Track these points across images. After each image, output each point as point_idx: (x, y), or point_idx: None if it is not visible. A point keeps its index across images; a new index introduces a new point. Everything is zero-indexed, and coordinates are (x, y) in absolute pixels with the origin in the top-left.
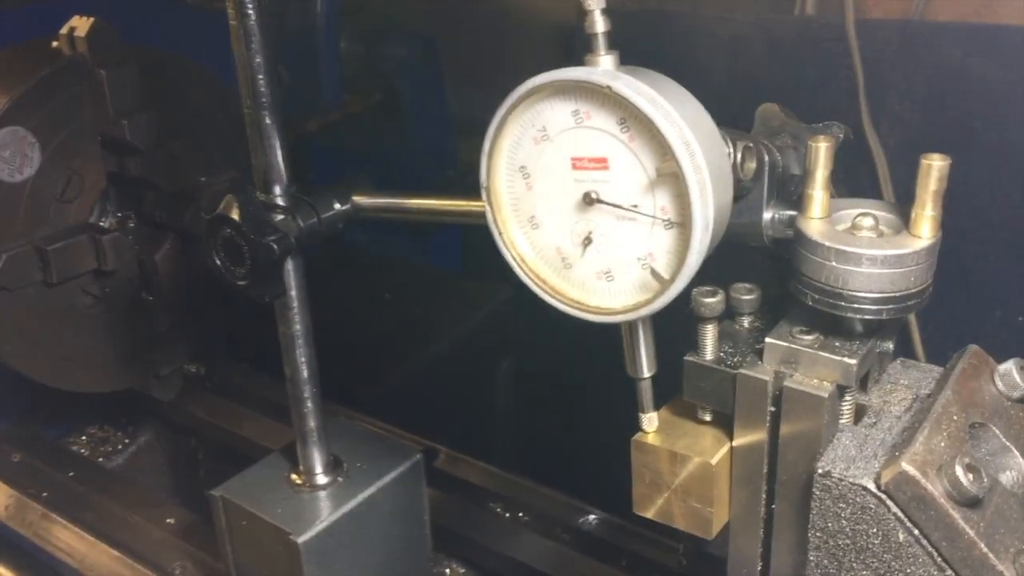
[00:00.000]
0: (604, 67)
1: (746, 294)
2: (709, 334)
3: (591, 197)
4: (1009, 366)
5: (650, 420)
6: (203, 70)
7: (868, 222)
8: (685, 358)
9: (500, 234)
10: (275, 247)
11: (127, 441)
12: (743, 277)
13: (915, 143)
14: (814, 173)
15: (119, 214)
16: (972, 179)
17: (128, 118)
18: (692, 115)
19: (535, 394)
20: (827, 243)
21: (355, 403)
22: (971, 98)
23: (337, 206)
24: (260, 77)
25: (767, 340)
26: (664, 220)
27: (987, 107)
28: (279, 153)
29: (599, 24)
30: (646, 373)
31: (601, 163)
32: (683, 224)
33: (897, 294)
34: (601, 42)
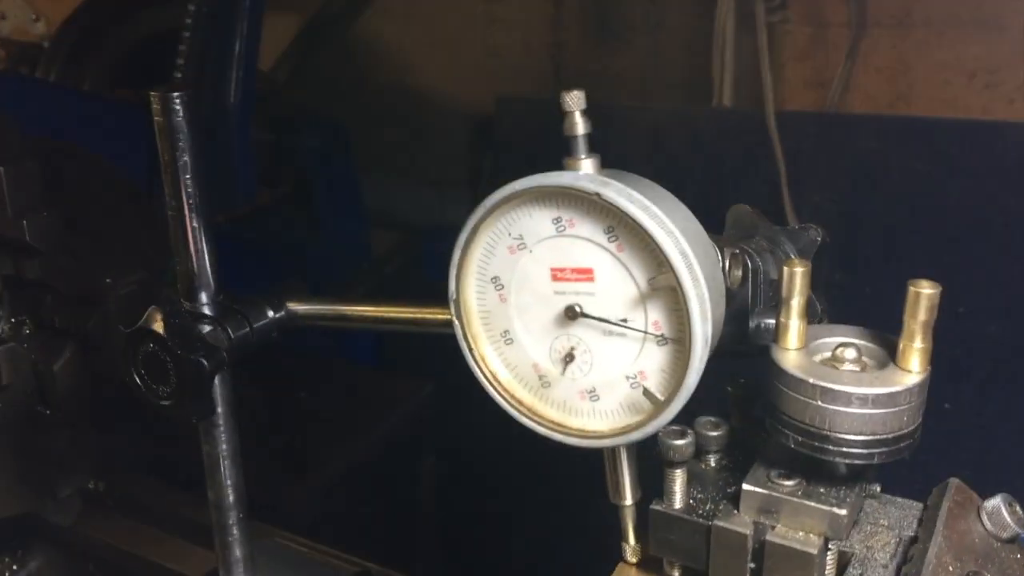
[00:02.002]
0: (585, 170)
1: (712, 429)
2: (678, 480)
3: (575, 311)
4: (996, 503)
5: (633, 551)
6: (108, 164)
7: (850, 354)
8: (651, 507)
9: (470, 350)
10: (205, 363)
11: (15, 568)
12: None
13: (836, 233)
14: (789, 301)
15: (13, 320)
16: (891, 263)
17: (27, 218)
18: (684, 223)
19: (461, 494)
20: (811, 380)
21: (275, 516)
22: (888, 187)
23: (270, 314)
24: (187, 177)
25: (744, 487)
26: (657, 336)
27: (902, 196)
28: (207, 258)
29: (580, 126)
30: (629, 500)
31: (586, 274)
32: (679, 340)
33: (889, 436)
34: (582, 144)
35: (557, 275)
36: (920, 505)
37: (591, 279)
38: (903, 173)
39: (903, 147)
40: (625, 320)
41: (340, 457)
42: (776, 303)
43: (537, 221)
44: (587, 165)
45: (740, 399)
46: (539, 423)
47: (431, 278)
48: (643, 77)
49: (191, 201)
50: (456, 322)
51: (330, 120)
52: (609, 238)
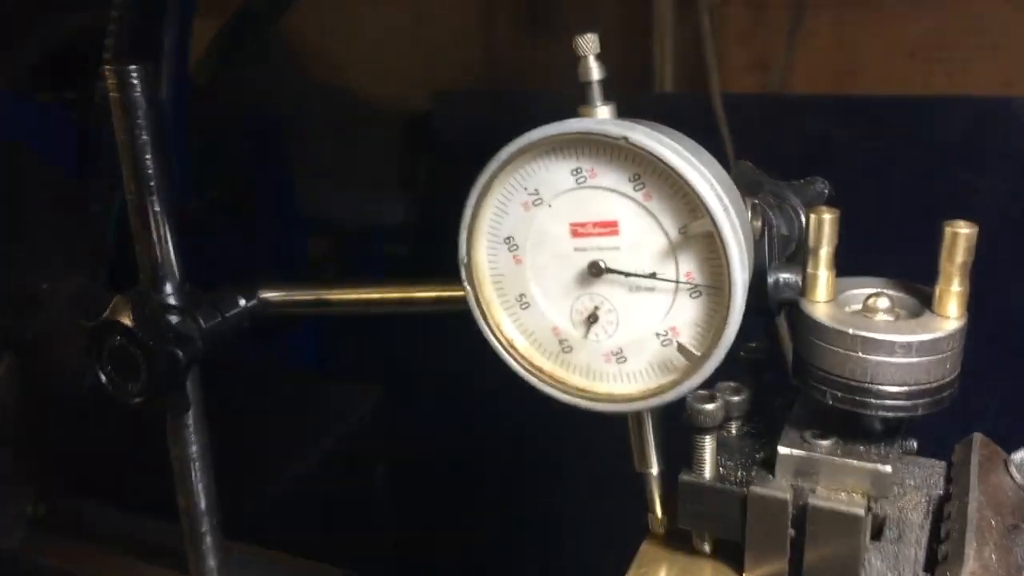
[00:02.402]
0: (602, 117)
1: (733, 395)
2: (707, 448)
3: (599, 267)
4: None
5: (660, 522)
6: (43, 163)
7: (883, 303)
8: (681, 478)
9: (484, 317)
10: (179, 354)
11: None
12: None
13: None
14: (818, 250)
15: None
16: (840, 242)
17: None
18: (713, 167)
19: (416, 501)
20: (851, 330)
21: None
22: (834, 166)
23: (242, 303)
24: (147, 157)
25: (780, 450)
26: (691, 287)
27: (849, 174)
28: (171, 245)
29: (594, 71)
30: (656, 467)
31: (609, 227)
32: (716, 289)
33: (932, 385)
34: (596, 91)
35: (578, 230)
36: (942, 463)
37: (615, 232)
38: (849, 151)
39: (848, 126)
40: (655, 273)
41: (288, 471)
42: (794, 254)
43: (554, 173)
44: (604, 112)
45: (752, 363)
46: (563, 391)
47: None
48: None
49: (153, 183)
50: (468, 288)
51: (264, 122)
52: (635, 187)
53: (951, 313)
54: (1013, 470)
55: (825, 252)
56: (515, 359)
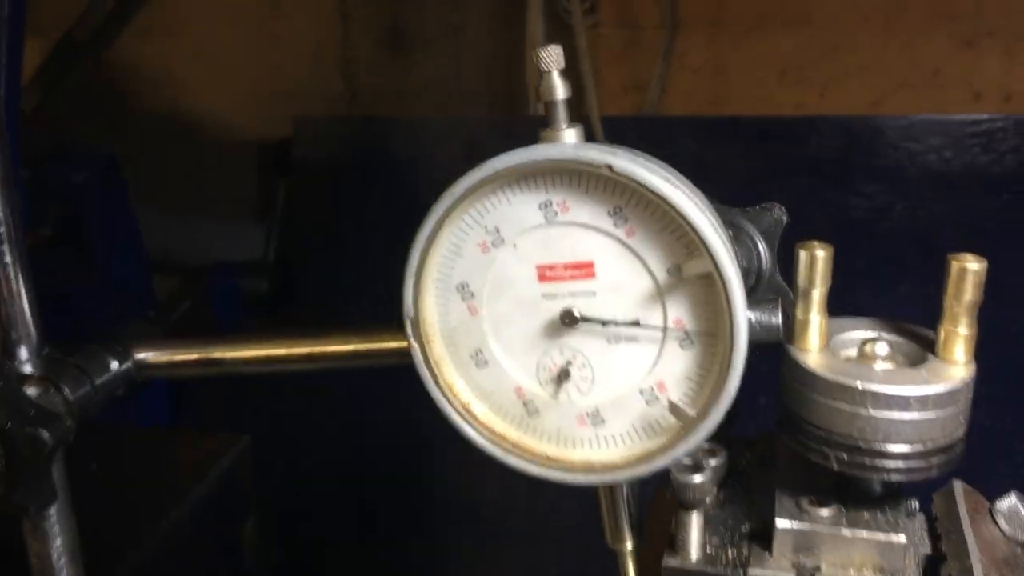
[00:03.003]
0: (567, 141)
1: (709, 457)
2: (694, 526)
3: (572, 315)
4: (1012, 503)
5: None
6: None
7: (882, 349)
8: (665, 563)
9: (434, 378)
10: (44, 435)
11: None
12: None
13: None
14: (810, 292)
15: None
16: None
17: None
18: (702, 198)
19: (290, 554)
20: (859, 384)
21: None
22: (710, 188)
23: (114, 365)
24: None
25: (778, 524)
26: (681, 335)
27: (724, 196)
28: (27, 301)
29: (559, 89)
30: (631, 543)
31: (584, 269)
32: (712, 336)
33: (947, 442)
34: (562, 112)
35: (546, 274)
36: (920, 514)
37: (591, 275)
38: (723, 172)
39: (721, 146)
40: (638, 321)
41: (149, 532)
42: (754, 288)
43: (519, 208)
44: (571, 135)
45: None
46: (531, 460)
47: (223, 318)
48: (445, 89)
49: (2, 228)
50: (414, 344)
51: (99, 151)
52: (616, 222)
53: (959, 358)
54: (1001, 520)
55: (818, 294)
56: (473, 427)
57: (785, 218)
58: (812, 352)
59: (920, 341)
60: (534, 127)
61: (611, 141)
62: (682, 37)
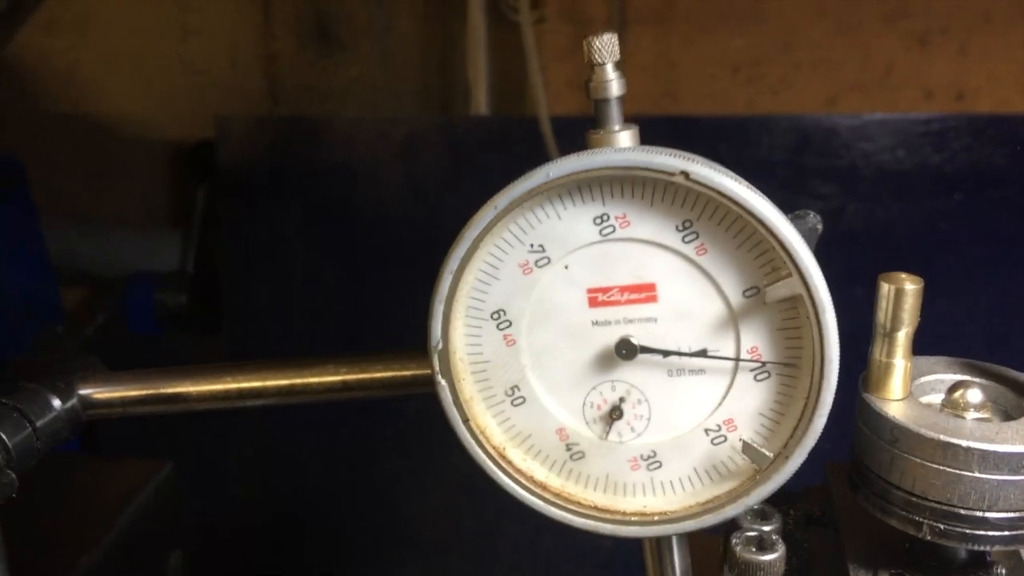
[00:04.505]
0: (622, 145)
1: (762, 522)
2: None
3: (631, 345)
4: None
5: None
6: None
7: (975, 396)
8: None
9: (464, 420)
10: None
11: None
12: None
13: None
14: (896, 332)
15: None
16: None
17: None
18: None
19: None
20: (964, 443)
21: None
22: None
23: (56, 404)
24: None
25: None
26: (757, 367)
27: None
28: None
29: (614, 85)
30: None
31: (645, 292)
32: (793, 367)
33: None
34: (615, 111)
35: (599, 298)
36: None
37: (652, 299)
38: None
39: (672, 146)
40: (706, 350)
41: (68, 567)
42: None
43: (570, 223)
44: (625, 138)
45: None
46: (575, 512)
47: (139, 332)
48: (373, 87)
49: None
50: (441, 382)
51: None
52: (686, 237)
53: None
54: None
55: (904, 335)
56: (508, 475)
57: (820, 226)
58: (896, 401)
59: (1010, 385)
60: (476, 127)
61: (560, 142)
62: (631, 34)
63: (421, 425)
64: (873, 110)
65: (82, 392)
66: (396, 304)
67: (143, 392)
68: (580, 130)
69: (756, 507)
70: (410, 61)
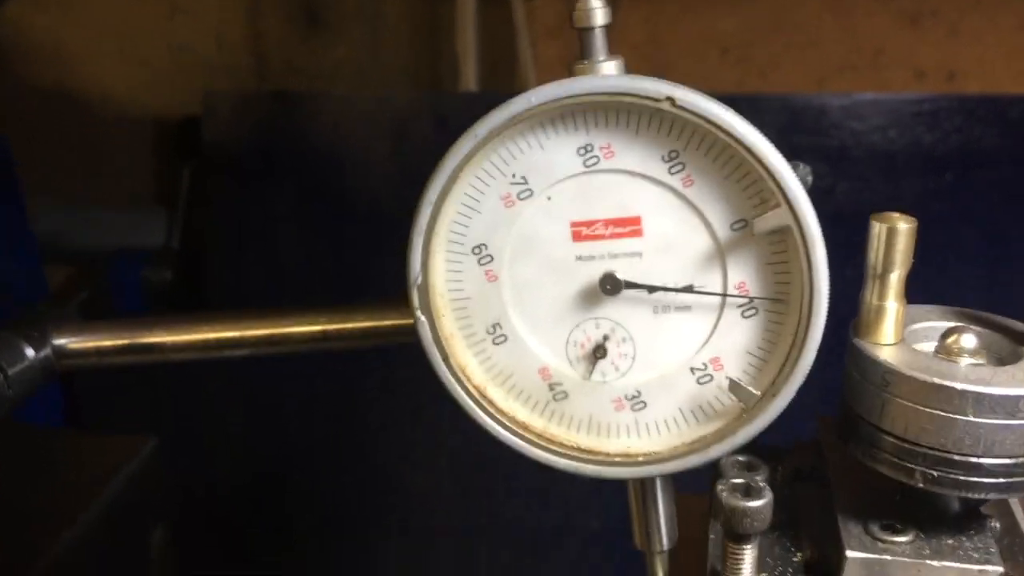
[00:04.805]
0: (607, 74)
1: (750, 471)
2: (747, 560)
3: (616, 280)
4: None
5: None
6: None
7: (969, 341)
8: None
9: (444, 358)
10: None
11: None
12: None
13: None
14: (887, 274)
15: None
16: None
17: None
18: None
19: (206, 562)
20: (959, 385)
21: None
22: None
23: (30, 353)
24: None
25: (849, 555)
26: (744, 303)
27: None
28: None
29: (598, 14)
30: (665, 544)
31: (630, 225)
32: (782, 303)
33: None
34: (600, 40)
35: (582, 232)
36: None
37: (637, 232)
38: None
39: None
40: (692, 286)
41: (49, 544)
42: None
43: (553, 153)
44: (610, 67)
45: None
46: (560, 453)
47: (123, 308)
48: (361, 67)
49: None
50: (421, 318)
51: None
52: (672, 168)
53: None
54: None
55: (896, 277)
56: (490, 414)
57: (810, 178)
58: (888, 346)
59: (1005, 332)
60: (465, 103)
61: None
62: (621, 12)
63: (405, 380)
64: (864, 90)
65: (56, 342)
66: (385, 281)
67: (118, 342)
68: None
69: (743, 459)
70: (399, 39)
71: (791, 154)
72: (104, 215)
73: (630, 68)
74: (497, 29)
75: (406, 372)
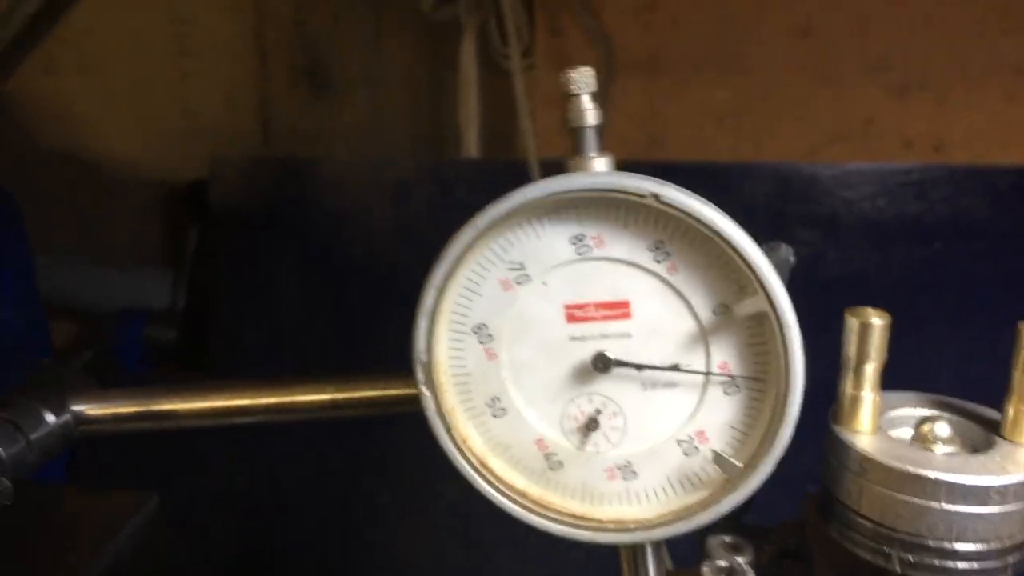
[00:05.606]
0: (598, 170)
1: (733, 553)
2: None
3: (606, 359)
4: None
5: None
6: None
7: (942, 430)
8: None
9: (447, 430)
10: None
11: None
12: None
13: None
14: (862, 366)
15: None
16: None
17: None
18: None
19: None
20: (932, 474)
21: None
22: None
23: (50, 419)
24: None
25: None
26: (726, 381)
27: None
28: None
29: (590, 114)
30: None
31: (619, 309)
32: (761, 382)
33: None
34: (592, 138)
35: (575, 314)
36: None
37: (626, 315)
38: None
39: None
40: (678, 365)
41: None
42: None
43: (548, 241)
44: (601, 164)
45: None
46: (555, 519)
47: (128, 369)
48: (365, 131)
49: None
50: (426, 393)
51: None
52: (657, 257)
53: None
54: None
55: (872, 369)
56: (490, 483)
57: (792, 259)
58: (865, 434)
59: (979, 420)
60: (466, 169)
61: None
62: (618, 83)
63: (405, 454)
64: (854, 159)
65: (75, 408)
66: (385, 344)
67: (135, 409)
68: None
69: (729, 540)
70: (401, 106)
71: (783, 222)
72: (110, 273)
73: (627, 137)
74: (498, 97)
75: (407, 445)
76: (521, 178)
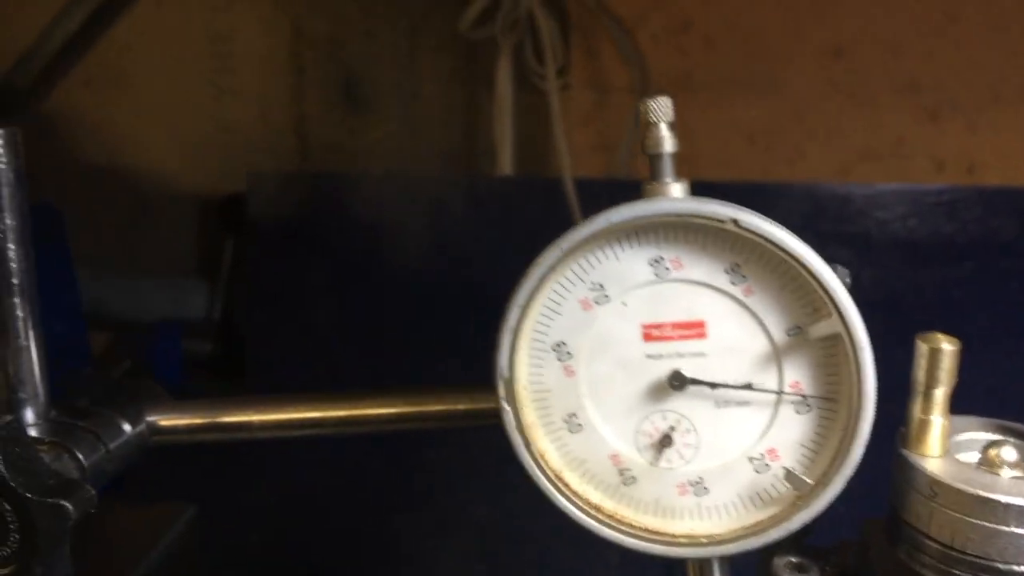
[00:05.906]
0: (674, 195)
1: (801, 573)
2: None
3: (681, 377)
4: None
5: None
6: None
7: (1010, 454)
8: None
9: (526, 445)
10: (68, 508)
11: None
12: None
13: None
14: (932, 390)
15: None
16: None
17: None
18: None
19: None
20: (1002, 499)
21: None
22: None
23: (127, 429)
24: (11, 248)
25: None
26: (798, 400)
27: None
28: (37, 358)
29: (667, 142)
30: None
31: (695, 329)
32: (832, 402)
33: None
34: (669, 165)
35: (652, 333)
36: None
37: (702, 335)
38: None
39: None
40: (751, 384)
41: None
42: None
43: (628, 264)
44: (677, 190)
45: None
46: (629, 533)
47: (165, 380)
48: (399, 148)
49: (16, 280)
50: (506, 408)
51: (38, 201)
52: (733, 279)
53: None
54: None
55: (941, 393)
56: (565, 496)
57: (848, 280)
58: (934, 458)
59: None
60: (500, 186)
61: (582, 202)
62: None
63: (437, 478)
64: (886, 180)
65: (150, 419)
66: (418, 358)
67: (207, 420)
68: (601, 191)
69: (796, 560)
70: (436, 123)
71: (817, 242)
72: (148, 285)
73: None
74: (532, 116)
75: (445, 469)
76: (554, 196)
